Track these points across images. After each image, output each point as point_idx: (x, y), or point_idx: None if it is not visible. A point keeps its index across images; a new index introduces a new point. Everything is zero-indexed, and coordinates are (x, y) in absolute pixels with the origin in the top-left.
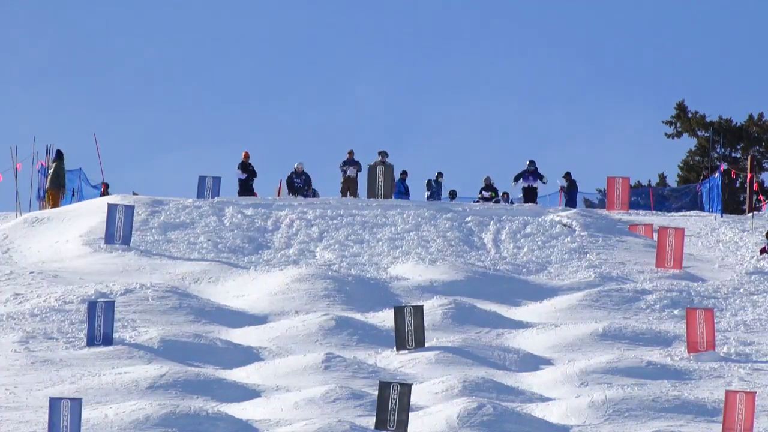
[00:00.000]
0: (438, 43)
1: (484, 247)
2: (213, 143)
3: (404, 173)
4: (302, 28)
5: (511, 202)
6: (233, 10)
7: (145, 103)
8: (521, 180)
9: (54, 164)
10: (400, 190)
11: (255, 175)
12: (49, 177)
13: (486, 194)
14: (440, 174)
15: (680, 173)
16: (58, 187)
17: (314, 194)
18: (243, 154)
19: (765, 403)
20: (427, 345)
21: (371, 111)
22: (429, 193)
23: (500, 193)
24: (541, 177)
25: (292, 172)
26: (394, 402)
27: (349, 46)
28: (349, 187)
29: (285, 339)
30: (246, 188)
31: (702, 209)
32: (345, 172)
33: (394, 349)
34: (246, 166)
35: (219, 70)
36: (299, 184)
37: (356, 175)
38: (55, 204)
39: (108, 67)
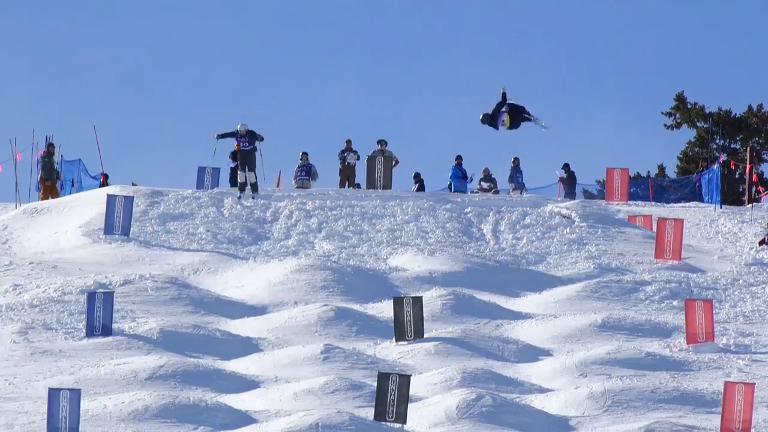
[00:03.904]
0: (425, 43)
1: (483, 238)
2: (208, 140)
3: (459, 158)
4: (289, 32)
5: (497, 192)
6: (227, 12)
7: (143, 96)
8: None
9: (45, 159)
10: (456, 174)
11: None
12: (41, 171)
13: (485, 185)
14: (516, 159)
15: (679, 164)
16: (44, 180)
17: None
18: (235, 143)
19: (764, 394)
20: (426, 336)
21: (351, 112)
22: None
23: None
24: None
25: (235, 131)
26: (393, 393)
27: (329, 48)
28: (348, 175)
29: (284, 330)
30: (237, 177)
31: (701, 200)
32: (344, 159)
33: (393, 340)
34: (236, 155)
35: (209, 71)
36: (245, 145)
37: (355, 163)
38: (45, 196)
39: (107, 60)
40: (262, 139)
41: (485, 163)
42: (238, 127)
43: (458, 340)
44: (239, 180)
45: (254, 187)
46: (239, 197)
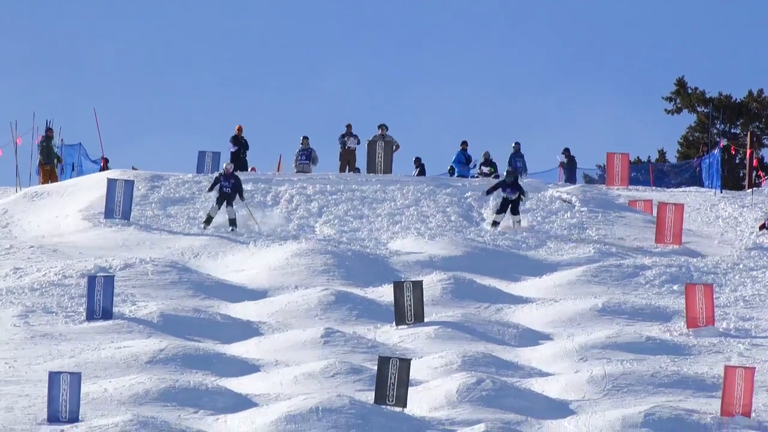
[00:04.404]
0: (426, 28)
1: (484, 222)
2: (208, 126)
3: (464, 143)
4: (289, 16)
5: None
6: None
7: (144, 81)
8: (499, 191)
9: (43, 143)
10: (460, 159)
11: (247, 148)
12: (40, 155)
13: (485, 170)
14: (517, 144)
15: (680, 149)
16: (42, 164)
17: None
18: (236, 127)
19: (764, 378)
20: (426, 320)
21: (352, 97)
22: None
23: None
24: (522, 191)
25: (219, 174)
26: (393, 377)
27: (330, 32)
28: (348, 160)
29: (284, 314)
30: (238, 161)
31: (701, 185)
32: (344, 144)
33: (394, 324)
34: (238, 139)
35: (210, 57)
36: (226, 189)
37: (356, 147)
38: (45, 180)
39: (108, 45)
40: (242, 198)
41: (486, 147)
42: (224, 165)
43: (458, 324)
44: (210, 213)
45: (232, 222)
46: (204, 228)
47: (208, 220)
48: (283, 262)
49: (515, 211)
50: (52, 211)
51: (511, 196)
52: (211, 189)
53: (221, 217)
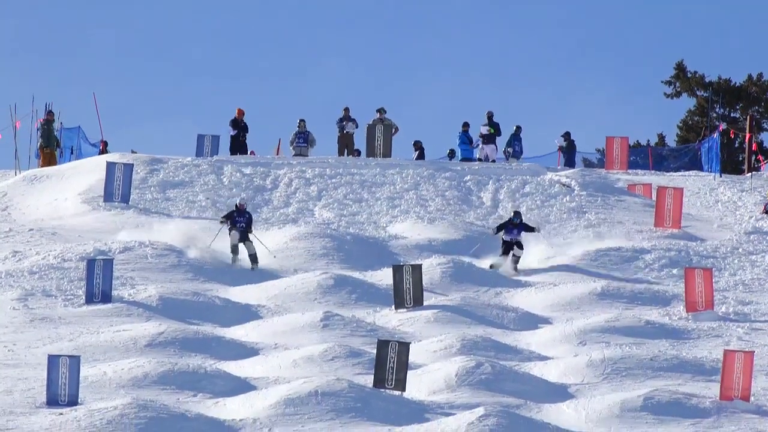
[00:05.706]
0: (423, 11)
1: (483, 206)
2: (207, 110)
3: (466, 124)
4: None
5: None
6: None
7: (143, 65)
8: (503, 232)
9: (44, 126)
10: (463, 140)
11: (246, 131)
12: (40, 138)
13: (484, 129)
14: (518, 128)
15: (679, 133)
16: (43, 148)
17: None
18: (237, 110)
19: (763, 362)
20: (425, 303)
21: (350, 80)
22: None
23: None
24: (532, 229)
25: (233, 210)
26: (392, 360)
27: (327, 16)
28: (346, 144)
29: (283, 297)
30: (237, 144)
31: (701, 169)
32: (343, 128)
33: (393, 307)
34: (237, 123)
35: (208, 41)
36: (240, 225)
37: (354, 132)
38: (45, 163)
39: (108, 29)
40: (250, 232)
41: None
42: (238, 201)
43: (457, 307)
44: (232, 241)
45: (254, 258)
46: (233, 261)
47: (234, 249)
48: (282, 246)
49: (517, 251)
50: (51, 195)
51: (515, 237)
52: (224, 220)
53: (236, 196)
